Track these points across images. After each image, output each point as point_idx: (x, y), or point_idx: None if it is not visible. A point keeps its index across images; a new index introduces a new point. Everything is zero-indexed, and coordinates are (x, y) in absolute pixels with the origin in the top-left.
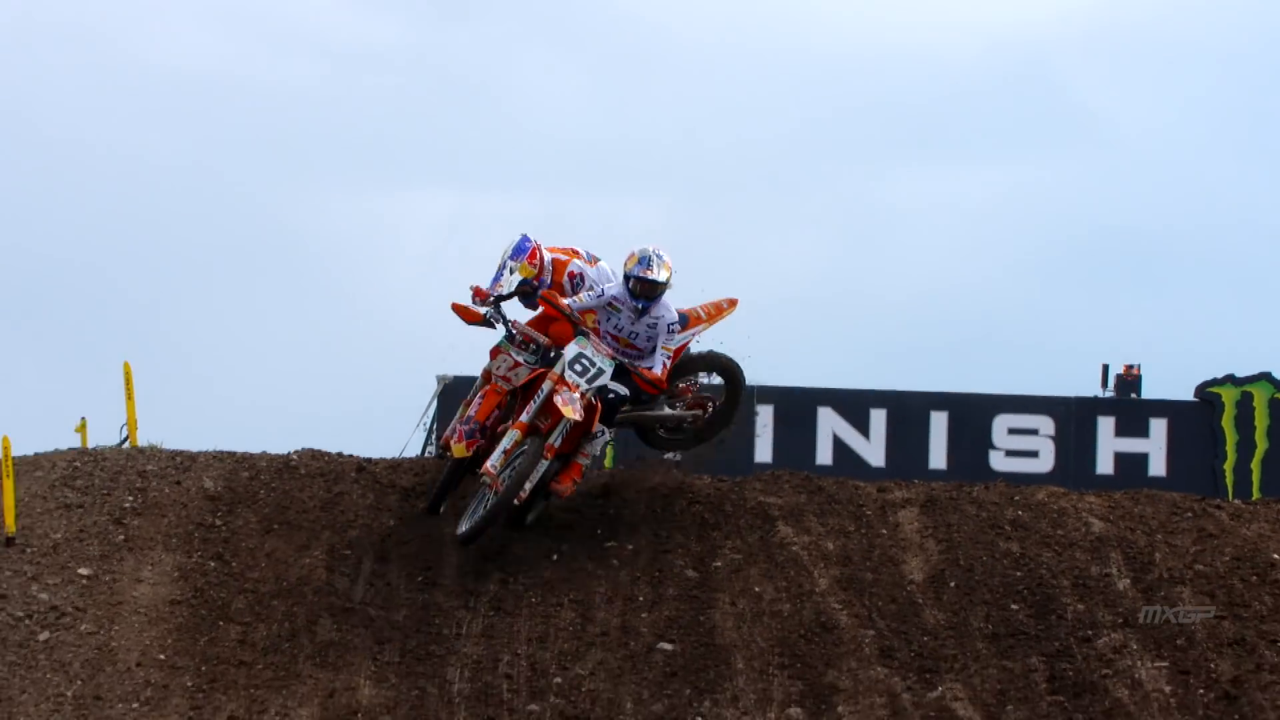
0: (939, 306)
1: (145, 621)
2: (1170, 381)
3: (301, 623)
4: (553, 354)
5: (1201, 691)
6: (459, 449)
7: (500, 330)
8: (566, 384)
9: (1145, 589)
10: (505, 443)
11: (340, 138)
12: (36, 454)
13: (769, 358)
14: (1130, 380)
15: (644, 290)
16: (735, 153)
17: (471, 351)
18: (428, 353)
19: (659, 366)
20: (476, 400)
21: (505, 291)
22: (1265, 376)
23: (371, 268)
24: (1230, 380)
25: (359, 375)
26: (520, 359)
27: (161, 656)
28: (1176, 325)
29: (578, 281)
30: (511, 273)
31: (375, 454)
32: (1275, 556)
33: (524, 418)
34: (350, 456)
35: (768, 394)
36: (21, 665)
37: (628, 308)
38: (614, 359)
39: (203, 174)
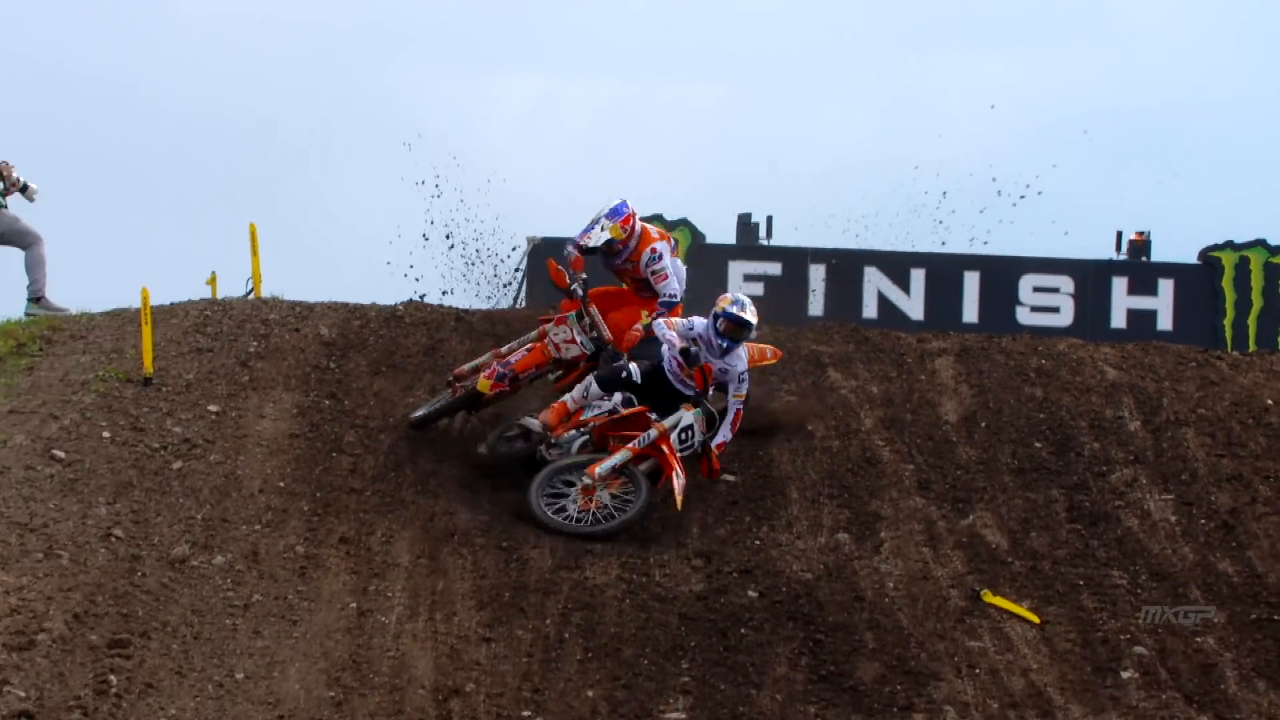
0: (972, 179)
1: (266, 453)
2: (1176, 246)
3: (405, 455)
4: (609, 348)
5: (1203, 521)
6: (484, 384)
7: (578, 303)
8: (671, 448)
9: (1154, 430)
10: (618, 459)
11: (441, 22)
12: (172, 304)
13: (821, 223)
14: (1141, 245)
15: (732, 330)
16: (792, 40)
17: (561, 219)
18: (520, 215)
19: (725, 435)
20: (521, 351)
21: (593, 244)
22: (1260, 242)
23: (469, 138)
24: (1229, 246)
25: (457, 234)
26: (579, 339)
27: (281, 484)
28: (1182, 197)
29: (654, 257)
30: (603, 230)
31: (472, 306)
32: (1269, 402)
33: (638, 444)
34: (449, 308)
35: (820, 255)
36: (157, 491)
37: (711, 347)
38: (704, 436)
39: (317, 55)
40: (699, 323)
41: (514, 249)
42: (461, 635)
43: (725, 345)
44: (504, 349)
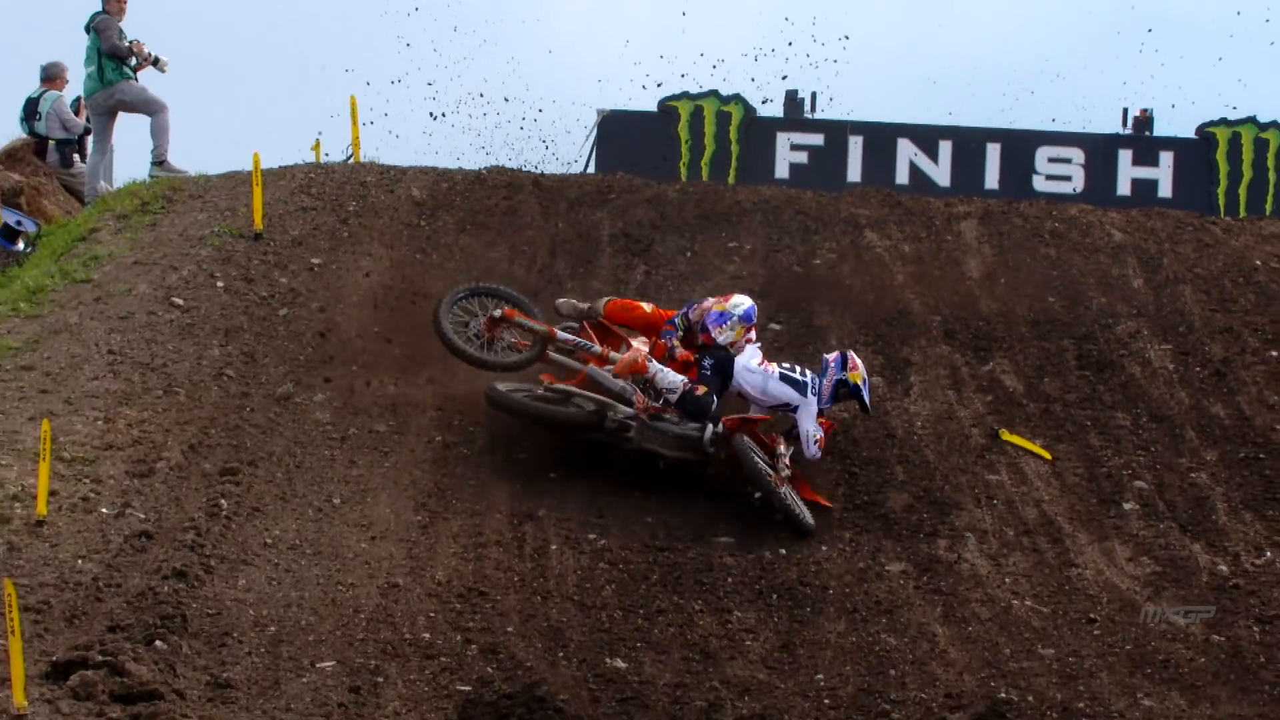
0: (995, 61)
1: (362, 301)
2: (1176, 123)
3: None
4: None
5: (1198, 369)
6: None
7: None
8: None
9: (1155, 287)
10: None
11: None
12: (280, 167)
13: (859, 99)
14: (1144, 121)
15: (846, 397)
16: None
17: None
18: (590, 89)
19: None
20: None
21: (719, 340)
22: (1251, 120)
23: (540, 16)
24: (1224, 122)
25: (534, 106)
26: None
27: (376, 329)
28: (1181, 78)
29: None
30: (731, 329)
31: (548, 171)
32: (1257, 262)
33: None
34: (528, 173)
35: (858, 128)
36: (265, 335)
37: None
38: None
39: None
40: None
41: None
42: (536, 467)
43: (829, 407)
44: (560, 335)
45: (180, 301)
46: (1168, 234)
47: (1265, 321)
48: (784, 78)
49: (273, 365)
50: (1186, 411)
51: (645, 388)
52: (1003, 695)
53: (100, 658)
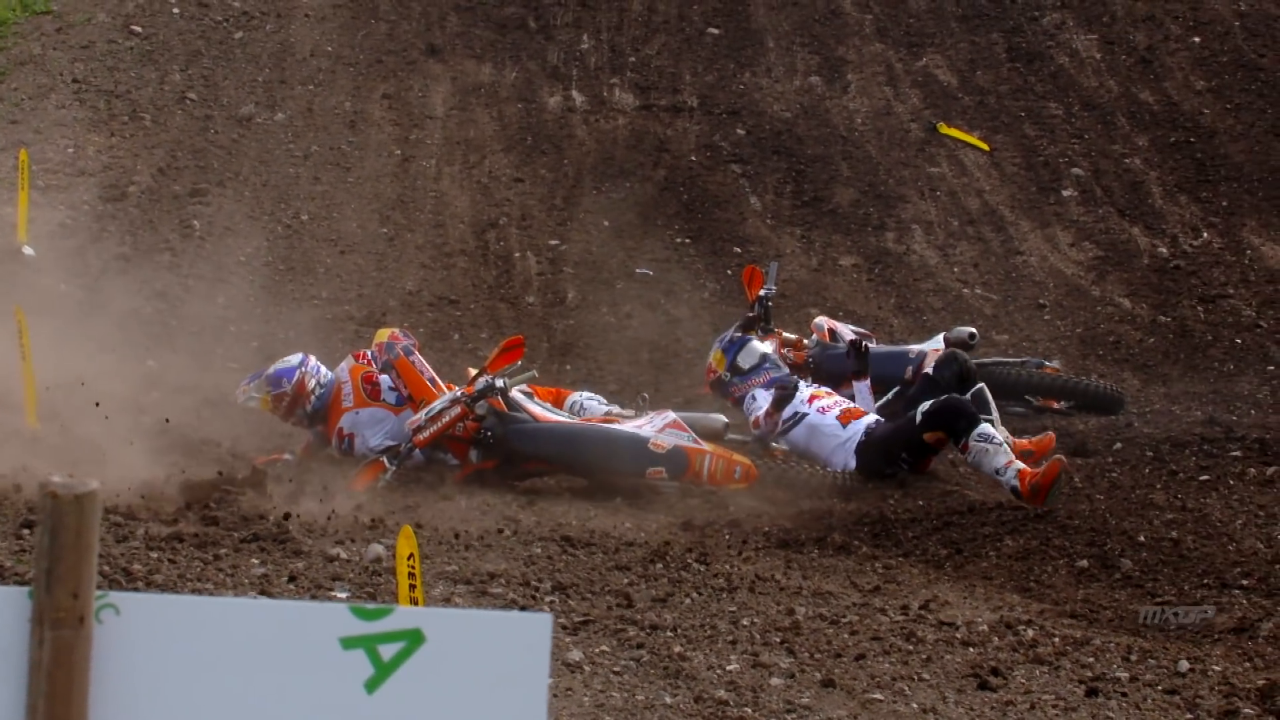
0: None
1: (314, 21)
2: None
3: (434, 19)
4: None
5: (1124, 57)
6: None
7: None
8: None
9: None
10: None
11: None
12: None
13: None
14: None
15: None
16: None
17: None
18: None
19: None
20: None
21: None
22: None
23: None
24: None
25: None
26: None
27: (329, 49)
28: None
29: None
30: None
31: None
32: None
33: None
34: None
35: None
36: (223, 58)
37: None
38: None
39: None
40: None
41: None
42: (494, 178)
43: None
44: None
45: (139, 29)
46: None
47: (1185, 9)
48: None
49: (232, 88)
50: (1116, 99)
51: None
52: None
53: None
